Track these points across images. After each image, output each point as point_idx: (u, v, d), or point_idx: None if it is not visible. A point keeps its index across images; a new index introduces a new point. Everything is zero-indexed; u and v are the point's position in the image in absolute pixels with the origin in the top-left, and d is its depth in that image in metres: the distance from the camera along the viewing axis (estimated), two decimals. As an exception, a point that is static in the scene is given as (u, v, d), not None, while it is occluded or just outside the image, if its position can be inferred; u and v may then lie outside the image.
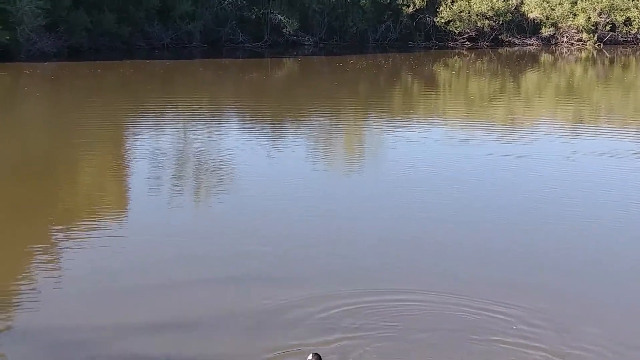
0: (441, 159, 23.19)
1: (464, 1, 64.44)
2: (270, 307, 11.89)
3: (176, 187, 19.61)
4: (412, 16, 64.50)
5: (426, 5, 64.13)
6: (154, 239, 15.25)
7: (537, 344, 10.84)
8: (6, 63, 44.95)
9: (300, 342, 10.71)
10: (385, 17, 64.62)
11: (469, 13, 64.56)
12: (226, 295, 12.45)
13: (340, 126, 29.55)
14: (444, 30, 65.46)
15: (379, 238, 15.61)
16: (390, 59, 57.21)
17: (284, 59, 55.94)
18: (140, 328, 11.24)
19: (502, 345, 10.81)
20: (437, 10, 64.58)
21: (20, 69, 44.69)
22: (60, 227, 16.30)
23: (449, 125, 30.29)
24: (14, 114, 32.51)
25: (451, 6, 64.37)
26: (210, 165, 21.99)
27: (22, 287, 12.89)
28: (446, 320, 11.59)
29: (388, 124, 29.89)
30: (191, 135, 26.58)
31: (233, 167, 21.59)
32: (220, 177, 20.53)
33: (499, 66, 56.49)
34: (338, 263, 14.09)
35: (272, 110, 33.34)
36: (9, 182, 20.21)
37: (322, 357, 9.45)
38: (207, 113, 32.63)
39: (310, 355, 9.42)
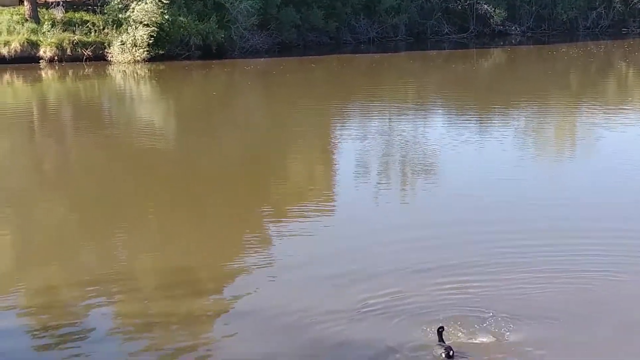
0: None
1: (684, -17, 60.77)
2: (477, 297, 11.79)
3: (383, 177, 19.80)
4: (625, 1, 61.56)
5: (641, -11, 61.07)
6: (361, 228, 15.48)
7: None
8: (222, 60, 47.08)
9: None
10: (597, 3, 62.05)
11: (689, -4, 60.85)
12: (437, 281, 12.46)
13: (553, 117, 28.55)
14: (661, 15, 62.06)
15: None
16: (603, 47, 54.89)
17: (491, 50, 54.91)
18: (347, 314, 11.44)
19: None
20: (654, -6, 61.30)
21: (236, 65, 46.63)
22: (272, 215, 16.93)
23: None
24: (239, 106, 34.34)
25: (669, -11, 60.93)
26: (417, 155, 22.00)
27: (239, 273, 13.50)
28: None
29: (606, 120, 27.83)
30: (398, 126, 26.72)
31: (439, 158, 21.52)
32: (426, 168, 20.49)
33: None
34: (554, 250, 13.78)
35: (480, 101, 32.86)
36: (228, 170, 21.18)
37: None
38: (414, 104, 32.66)
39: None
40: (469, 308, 11.50)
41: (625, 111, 29.43)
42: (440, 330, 10.35)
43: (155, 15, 44.75)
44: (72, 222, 16.99)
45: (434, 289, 12.24)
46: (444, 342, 10.25)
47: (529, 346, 10.41)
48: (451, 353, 9.98)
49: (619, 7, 61.80)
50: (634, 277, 12.75)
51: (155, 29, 45.05)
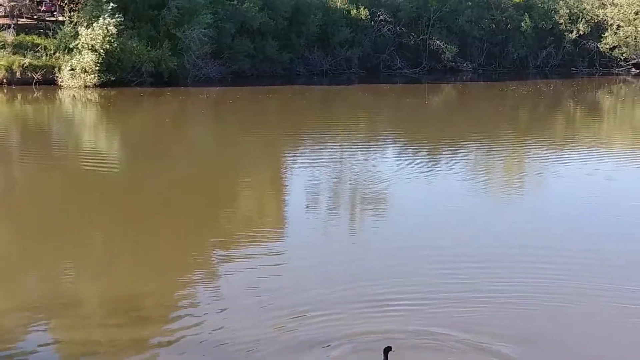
0: (607, 192, 21.94)
1: (631, 27, 62.22)
2: (424, 323, 11.75)
3: (332, 210, 19.71)
4: (575, 42, 62.94)
5: (590, 30, 62.42)
6: (309, 260, 15.31)
7: None
8: (174, 88, 46.84)
9: None
10: (547, 42, 63.36)
11: (635, 39, 62.27)
12: (379, 316, 12.38)
13: (502, 153, 28.87)
14: (609, 57, 63.43)
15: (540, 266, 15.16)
16: (552, 86, 55.87)
17: (443, 85, 55.56)
18: (290, 344, 11.31)
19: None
20: (602, 35, 62.72)
21: (191, 93, 46.44)
22: (219, 243, 16.75)
23: (615, 156, 28.76)
24: (191, 133, 34.35)
25: (617, 32, 62.37)
26: (367, 186, 21.97)
27: (184, 300, 13.26)
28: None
29: (552, 154, 28.52)
30: (348, 159, 26.67)
31: (389, 189, 21.55)
32: (375, 198, 20.53)
33: (669, 93, 54.05)
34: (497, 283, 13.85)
35: (431, 136, 33.07)
36: (177, 197, 20.93)
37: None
38: (366, 137, 32.78)
39: None
40: (414, 333, 11.52)
41: (572, 148, 29.87)
42: (386, 350, 10.35)
43: (101, 40, 44.38)
44: (15, 247, 16.63)
45: (379, 316, 12.20)
46: None
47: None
48: None
49: (569, 47, 63.11)
50: (578, 302, 13.02)
51: (102, 54, 44.66)
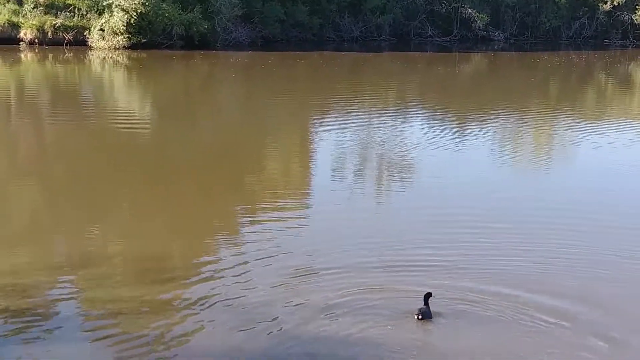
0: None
1: (667, -2, 61.29)
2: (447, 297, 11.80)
3: (358, 175, 19.77)
4: (608, 13, 62.00)
5: (625, 2, 61.44)
6: (333, 225, 15.37)
7: None
8: (204, 51, 46.88)
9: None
10: (581, 13, 62.49)
11: (671, 11, 61.36)
12: (397, 280, 12.47)
13: (532, 124, 28.66)
14: (644, 29, 62.56)
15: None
16: (584, 57, 55.21)
17: (473, 54, 55.07)
18: (314, 309, 11.36)
19: None
20: (637, 7, 61.72)
21: (221, 57, 46.45)
22: (245, 207, 16.84)
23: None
24: (221, 97, 34.53)
25: (652, 3, 61.44)
26: (394, 155, 21.96)
27: (210, 263, 13.34)
28: None
29: (586, 125, 28.37)
30: (376, 126, 26.65)
31: (416, 159, 21.54)
32: (401, 168, 20.47)
33: (703, 67, 53.25)
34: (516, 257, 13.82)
35: (461, 105, 32.86)
36: (205, 160, 21.11)
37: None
38: (395, 104, 32.70)
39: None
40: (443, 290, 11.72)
41: (603, 121, 29.61)
42: (427, 296, 11.03)
43: (136, 3, 44.47)
44: (44, 206, 16.83)
45: (400, 287, 12.18)
46: (427, 306, 10.95)
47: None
48: (420, 317, 10.82)
49: (602, 18, 62.23)
50: (611, 270, 13.07)
51: (135, 15, 44.76)
